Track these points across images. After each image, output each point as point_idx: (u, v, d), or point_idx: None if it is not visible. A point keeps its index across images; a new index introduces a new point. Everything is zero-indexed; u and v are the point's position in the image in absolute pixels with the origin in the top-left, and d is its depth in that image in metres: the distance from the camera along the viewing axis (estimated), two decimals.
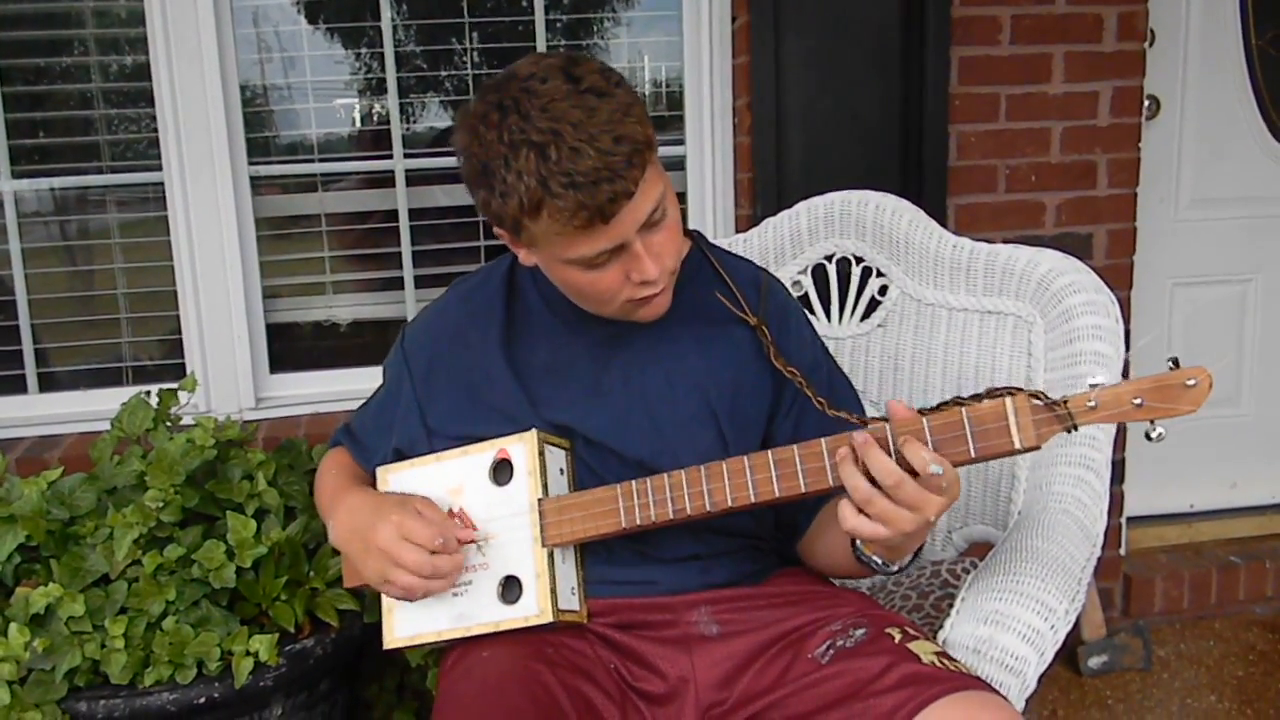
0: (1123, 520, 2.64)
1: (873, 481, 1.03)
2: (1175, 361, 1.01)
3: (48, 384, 2.34)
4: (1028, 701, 1.17)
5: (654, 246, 1.16)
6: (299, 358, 2.43)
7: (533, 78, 1.10)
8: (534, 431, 1.22)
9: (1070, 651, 2.47)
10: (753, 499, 1.13)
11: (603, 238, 1.11)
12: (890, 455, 1.03)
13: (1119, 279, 2.46)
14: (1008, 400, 1.02)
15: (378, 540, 1.18)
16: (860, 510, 1.04)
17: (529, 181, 1.07)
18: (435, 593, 1.22)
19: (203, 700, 1.48)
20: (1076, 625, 2.46)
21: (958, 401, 1.06)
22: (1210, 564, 2.69)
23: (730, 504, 1.14)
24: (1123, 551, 2.66)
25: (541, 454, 1.22)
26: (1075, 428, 1.01)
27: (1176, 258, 2.76)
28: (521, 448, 1.23)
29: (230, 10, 2.24)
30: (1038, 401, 1.01)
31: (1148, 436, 1.02)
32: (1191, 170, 2.73)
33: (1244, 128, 2.75)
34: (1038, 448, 1.03)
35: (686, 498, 1.15)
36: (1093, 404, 1.00)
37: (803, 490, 1.10)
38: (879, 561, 1.15)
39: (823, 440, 1.09)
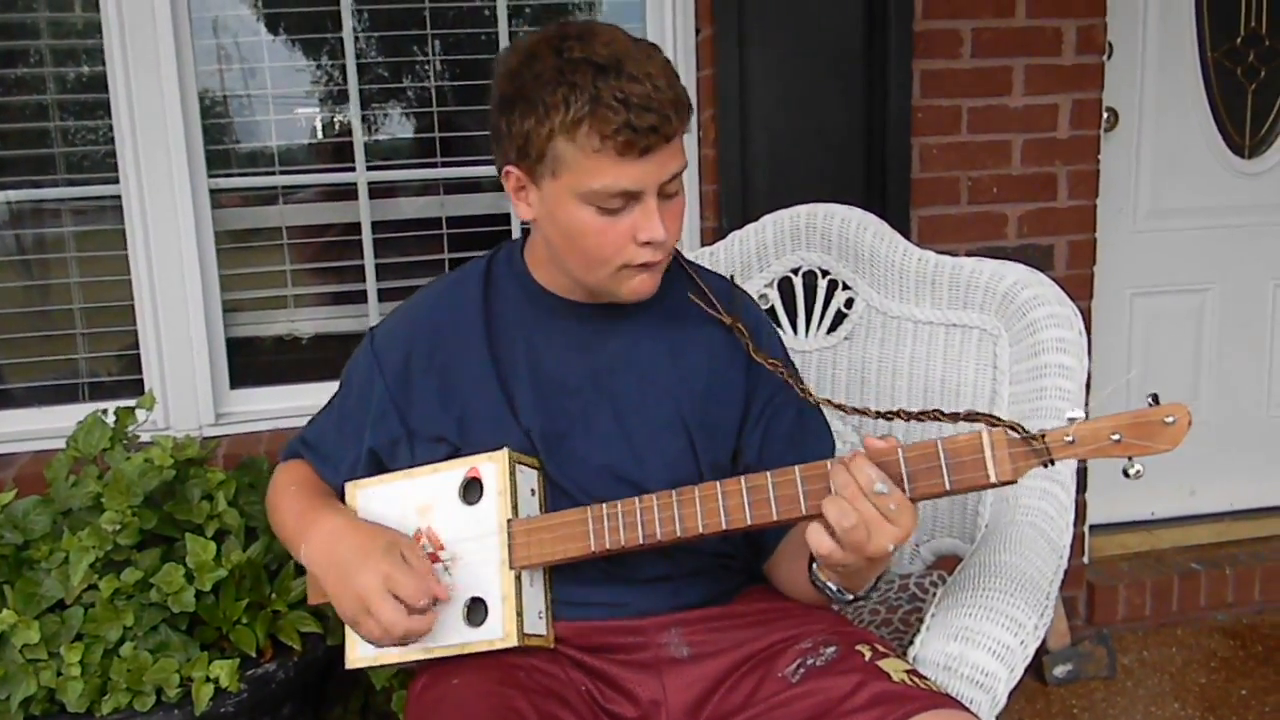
0: (1085, 528, 2.66)
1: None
2: (1155, 398, 0.99)
3: (1, 401, 2.28)
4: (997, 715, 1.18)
5: (664, 214, 1.17)
6: (260, 372, 2.39)
7: (588, 24, 1.17)
8: (505, 451, 1.20)
9: (1035, 661, 2.48)
10: (724, 525, 1.11)
11: (628, 174, 1.12)
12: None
13: (1079, 289, 2.48)
14: (984, 434, 1.01)
15: (360, 587, 1.14)
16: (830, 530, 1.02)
17: (580, 96, 1.09)
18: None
19: None
20: None
21: (938, 414, 1.05)
22: (1171, 571, 2.72)
23: (701, 530, 1.12)
24: (1086, 559, 2.68)
25: (512, 474, 1.20)
26: (1052, 462, 1.00)
27: (1135, 268, 2.79)
28: (493, 467, 1.21)
29: (189, 21, 2.20)
30: (1015, 435, 1.00)
31: (1125, 474, 1.01)
32: (1149, 181, 2.77)
33: (1200, 139, 2.79)
34: (1014, 481, 1.01)
35: (657, 522, 1.13)
36: (1070, 439, 0.99)
37: (775, 518, 1.09)
38: (833, 588, 1.14)
39: (796, 468, 1.08)
